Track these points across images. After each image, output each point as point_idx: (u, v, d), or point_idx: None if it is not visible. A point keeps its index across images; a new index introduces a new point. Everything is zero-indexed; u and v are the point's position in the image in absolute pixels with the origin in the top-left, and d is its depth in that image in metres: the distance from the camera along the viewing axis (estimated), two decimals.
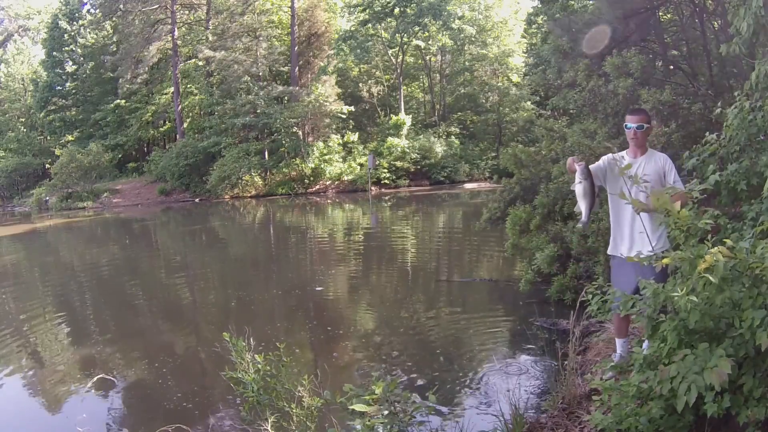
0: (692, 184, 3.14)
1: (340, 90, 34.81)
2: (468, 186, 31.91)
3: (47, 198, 34.84)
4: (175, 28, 37.01)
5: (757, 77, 3.65)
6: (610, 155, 3.94)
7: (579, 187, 3.69)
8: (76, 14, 43.25)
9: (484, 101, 37.94)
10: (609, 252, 3.98)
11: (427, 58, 39.99)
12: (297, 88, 33.33)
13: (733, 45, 4.19)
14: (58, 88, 42.64)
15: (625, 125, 3.86)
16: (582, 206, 3.72)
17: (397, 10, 35.52)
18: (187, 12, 39.85)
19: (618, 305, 3.07)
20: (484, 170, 33.81)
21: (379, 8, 35.66)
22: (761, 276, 2.27)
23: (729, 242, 2.44)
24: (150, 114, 40.98)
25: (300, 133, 33.05)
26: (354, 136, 34.17)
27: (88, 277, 12.94)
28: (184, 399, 5.51)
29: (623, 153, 3.93)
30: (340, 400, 2.88)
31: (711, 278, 2.32)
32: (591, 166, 3.86)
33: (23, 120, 46.89)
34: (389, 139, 33.77)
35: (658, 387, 2.41)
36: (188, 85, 40.14)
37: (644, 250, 3.46)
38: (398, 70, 38.45)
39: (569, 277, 7.03)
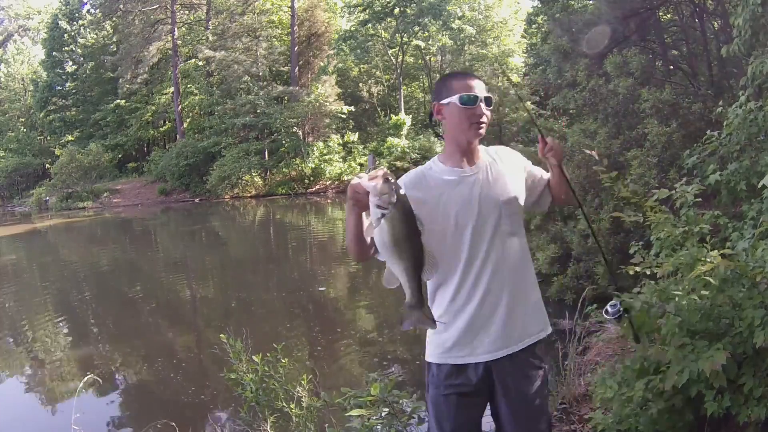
0: (683, 188, 3.08)
1: (340, 90, 34.80)
2: None
3: (47, 198, 34.83)
4: (175, 28, 36.99)
5: (753, 73, 3.64)
6: (404, 186, 1.81)
7: (382, 227, 1.57)
8: (76, 14, 43.23)
9: None
10: (434, 359, 1.94)
11: (427, 58, 39.96)
12: (297, 88, 33.31)
13: (733, 46, 4.19)
14: (58, 88, 42.62)
15: (461, 98, 1.89)
16: (398, 270, 1.64)
17: (397, 10, 35.49)
18: (187, 12, 39.82)
19: None
20: None
21: (379, 8, 35.62)
22: (762, 280, 2.26)
23: (728, 250, 2.43)
24: (150, 114, 40.96)
25: (300, 133, 33.03)
26: (354, 136, 34.16)
27: (88, 277, 12.93)
28: (183, 399, 5.50)
29: (429, 165, 2.05)
30: (337, 400, 2.88)
31: (711, 280, 2.32)
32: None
33: (23, 120, 46.87)
34: (389, 139, 33.76)
35: (660, 384, 2.40)
36: (188, 85, 40.10)
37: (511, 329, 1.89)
38: (398, 70, 38.42)
39: (570, 278, 7.02)
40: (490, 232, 1.89)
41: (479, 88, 1.91)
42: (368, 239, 1.64)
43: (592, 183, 6.82)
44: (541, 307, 2.01)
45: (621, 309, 2.40)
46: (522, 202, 2.00)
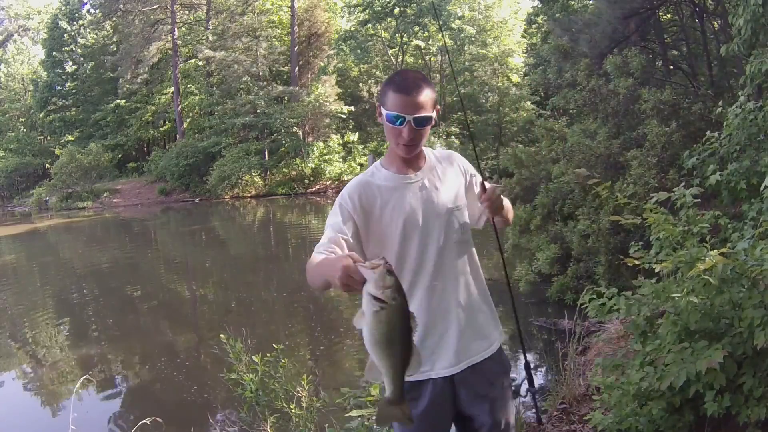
0: (681, 191, 3.07)
1: (340, 90, 34.81)
2: None
3: (47, 198, 34.80)
4: (175, 28, 36.98)
5: (752, 72, 3.65)
6: (349, 196, 1.85)
7: (378, 321, 1.45)
8: (76, 14, 43.22)
9: (484, 101, 37.94)
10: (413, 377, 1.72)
11: (427, 58, 39.98)
12: (297, 88, 33.32)
13: (732, 45, 4.19)
14: (58, 88, 42.60)
15: (387, 115, 1.74)
16: (384, 366, 1.51)
17: (397, 10, 35.52)
18: (187, 12, 39.81)
19: None
20: (484, 170, 33.76)
21: (379, 8, 35.64)
22: (760, 278, 2.26)
23: (727, 249, 2.43)
24: (150, 114, 40.95)
25: (300, 133, 33.04)
26: (354, 136, 34.18)
27: (88, 277, 12.93)
28: (183, 399, 5.50)
29: (371, 171, 1.90)
30: (337, 400, 2.88)
31: (711, 280, 2.32)
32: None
33: (23, 120, 46.85)
34: None
35: (657, 383, 2.41)
36: (188, 85, 40.09)
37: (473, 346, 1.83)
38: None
39: (570, 278, 7.03)
40: (437, 242, 1.80)
41: (412, 106, 1.70)
42: (357, 326, 1.50)
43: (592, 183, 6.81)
44: (495, 316, 1.94)
45: None
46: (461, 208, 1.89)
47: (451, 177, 1.90)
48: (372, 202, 1.80)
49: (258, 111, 32.21)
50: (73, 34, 42.32)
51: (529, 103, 35.13)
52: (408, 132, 1.72)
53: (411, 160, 1.83)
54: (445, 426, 1.84)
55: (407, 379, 1.70)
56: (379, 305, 1.43)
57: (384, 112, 1.75)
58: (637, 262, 2.82)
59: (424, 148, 1.89)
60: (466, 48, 38.54)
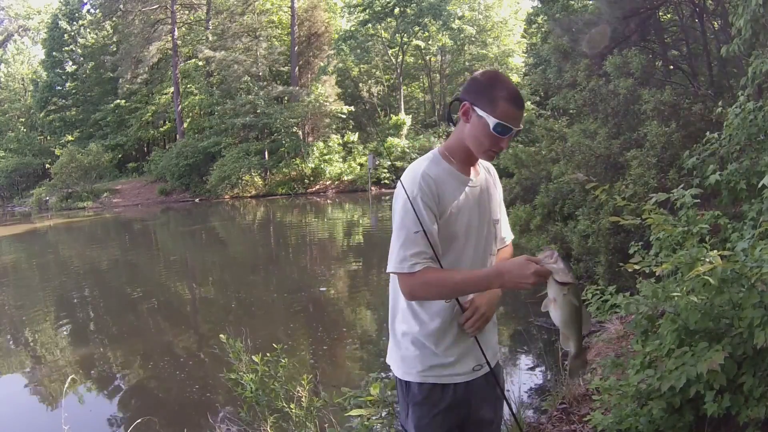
0: (680, 191, 3.07)
1: (340, 90, 34.80)
2: None
3: (47, 198, 34.81)
4: (175, 28, 36.99)
5: (753, 73, 3.65)
6: (427, 186, 1.71)
7: (568, 302, 1.69)
8: (76, 14, 43.24)
9: None
10: (412, 377, 1.82)
11: (427, 58, 39.98)
12: (297, 88, 33.32)
13: (732, 45, 4.19)
14: (58, 88, 42.62)
15: (495, 124, 1.69)
16: (572, 333, 1.74)
17: (397, 10, 35.50)
18: (187, 12, 39.82)
19: None
20: None
21: (379, 8, 35.63)
22: (759, 280, 2.26)
23: (727, 251, 2.43)
24: (150, 114, 40.96)
25: (300, 133, 33.04)
26: (354, 136, 34.18)
27: (87, 277, 12.93)
28: (182, 399, 5.50)
29: (431, 161, 1.80)
30: (337, 400, 2.88)
31: (711, 280, 2.32)
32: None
33: (23, 120, 46.87)
34: (389, 139, 33.78)
35: (657, 383, 2.41)
36: (188, 85, 40.10)
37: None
38: (398, 70, 38.43)
39: None
40: (485, 249, 1.85)
41: (519, 119, 1.73)
42: (544, 309, 1.72)
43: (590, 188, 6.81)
44: None
45: None
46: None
47: (494, 189, 1.93)
48: (444, 194, 1.74)
49: (258, 111, 32.21)
50: (73, 34, 42.33)
51: (529, 103, 35.09)
52: (507, 142, 1.75)
53: (475, 162, 1.85)
54: (460, 427, 1.88)
55: (430, 381, 1.82)
56: (567, 288, 1.67)
57: (486, 117, 1.71)
58: (636, 267, 2.82)
59: None
60: (466, 48, 38.55)
